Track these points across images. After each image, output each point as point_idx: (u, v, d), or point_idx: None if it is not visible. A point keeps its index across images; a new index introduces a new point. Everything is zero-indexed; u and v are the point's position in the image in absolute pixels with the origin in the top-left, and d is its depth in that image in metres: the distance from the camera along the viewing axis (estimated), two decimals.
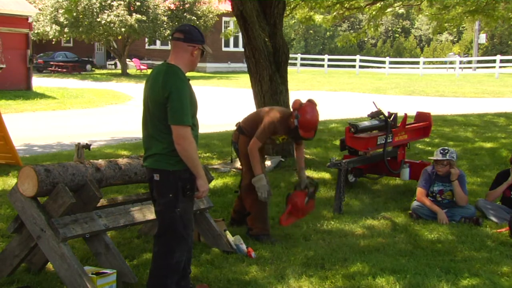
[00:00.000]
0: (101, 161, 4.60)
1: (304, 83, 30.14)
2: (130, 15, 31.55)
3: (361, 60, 40.18)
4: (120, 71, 36.00)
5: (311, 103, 5.48)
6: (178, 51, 3.86)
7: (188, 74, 3.91)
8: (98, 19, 31.00)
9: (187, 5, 34.64)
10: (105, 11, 31.27)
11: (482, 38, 44.45)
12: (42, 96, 22.13)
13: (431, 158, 6.77)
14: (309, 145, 10.08)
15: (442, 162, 6.53)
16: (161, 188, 3.83)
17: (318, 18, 14.44)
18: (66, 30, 32.29)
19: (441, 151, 6.61)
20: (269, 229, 5.60)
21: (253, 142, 5.40)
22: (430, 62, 42.55)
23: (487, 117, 15.61)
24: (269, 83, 8.85)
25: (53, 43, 35.53)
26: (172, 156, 3.77)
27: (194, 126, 3.86)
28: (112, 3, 31.55)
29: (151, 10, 32.99)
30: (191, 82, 3.91)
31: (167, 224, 3.86)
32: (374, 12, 14.13)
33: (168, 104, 3.71)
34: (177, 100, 3.70)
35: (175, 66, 3.82)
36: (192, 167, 3.79)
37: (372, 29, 14.78)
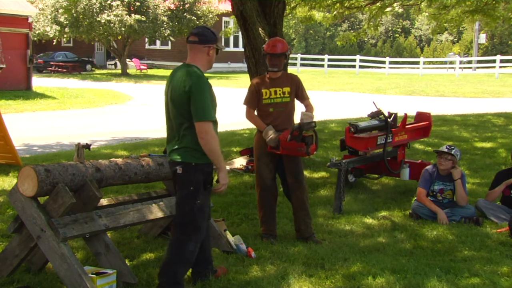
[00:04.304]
0: (101, 161, 4.60)
1: (304, 83, 29.61)
2: (129, 15, 31.54)
3: (361, 60, 40.17)
4: (120, 71, 35.99)
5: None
6: (196, 52, 4.14)
7: None
8: (98, 19, 31.00)
9: (187, 5, 34.61)
10: (105, 11, 31.27)
11: (482, 38, 44.44)
12: (42, 96, 22.12)
13: (437, 150, 6.81)
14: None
15: (446, 156, 6.54)
16: (183, 180, 4.07)
17: (318, 15, 14.43)
18: (66, 30, 32.30)
19: (447, 146, 6.70)
20: (272, 229, 5.61)
21: (246, 111, 5.65)
22: (430, 62, 42.53)
23: (486, 117, 15.61)
24: None
25: (54, 43, 35.54)
26: (196, 150, 4.03)
27: (214, 122, 4.09)
28: (111, 3, 31.54)
29: (151, 10, 32.98)
30: None
31: (186, 215, 4.09)
32: (374, 12, 14.12)
33: (191, 103, 3.97)
34: (198, 98, 3.97)
35: (194, 66, 4.10)
36: (214, 160, 4.06)
37: (372, 28, 14.78)
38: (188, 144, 4.04)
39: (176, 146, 4.09)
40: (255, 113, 5.65)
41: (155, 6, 33.39)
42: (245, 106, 5.70)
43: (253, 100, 5.63)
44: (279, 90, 5.56)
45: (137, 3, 32.76)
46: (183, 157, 4.05)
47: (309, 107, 5.64)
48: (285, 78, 5.64)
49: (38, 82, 26.88)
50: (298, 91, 5.66)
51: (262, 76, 5.81)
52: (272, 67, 5.58)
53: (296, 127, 5.38)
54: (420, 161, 8.09)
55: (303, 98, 5.70)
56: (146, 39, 37.90)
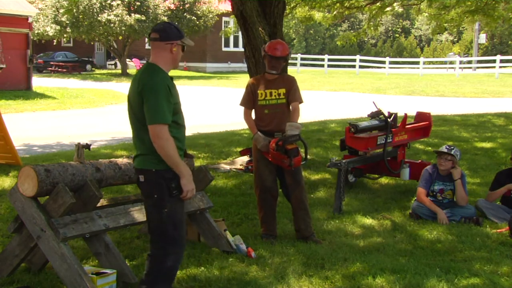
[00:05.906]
0: (101, 161, 4.60)
1: (304, 83, 30.12)
2: (129, 15, 31.55)
3: (361, 60, 40.18)
4: (120, 71, 36.02)
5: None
6: (158, 51, 3.80)
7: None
8: (98, 19, 31.01)
9: (187, 5, 34.63)
10: (105, 10, 31.28)
11: (482, 38, 44.46)
12: (42, 96, 22.13)
13: (436, 150, 6.80)
14: (309, 145, 10.08)
15: (446, 156, 6.54)
16: (146, 189, 3.79)
17: (318, 16, 14.43)
18: (67, 30, 32.32)
19: (447, 147, 6.69)
20: (272, 229, 5.61)
21: (243, 112, 5.68)
22: (430, 62, 42.54)
23: (486, 117, 15.60)
24: None
25: (54, 43, 35.54)
26: (155, 156, 3.69)
27: (177, 124, 3.78)
28: (112, 3, 31.56)
29: (151, 10, 33.00)
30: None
31: (156, 226, 3.79)
32: (374, 12, 14.12)
33: (144, 104, 3.65)
34: (151, 99, 3.63)
35: (152, 64, 3.78)
36: (172, 166, 3.68)
37: (372, 28, 14.78)
38: (146, 150, 3.71)
39: (136, 153, 3.81)
40: (252, 113, 5.65)
41: (155, 6, 33.41)
42: (242, 107, 5.71)
43: (249, 101, 5.64)
44: (275, 92, 5.55)
45: (137, 3, 32.78)
46: (142, 164, 3.74)
47: (295, 113, 5.52)
48: (281, 80, 5.63)
49: (38, 82, 26.89)
50: (290, 92, 5.57)
51: (258, 77, 5.81)
52: (271, 69, 5.58)
53: (281, 138, 5.34)
54: (420, 161, 8.09)
55: (293, 99, 5.56)
56: (146, 39, 37.89)
